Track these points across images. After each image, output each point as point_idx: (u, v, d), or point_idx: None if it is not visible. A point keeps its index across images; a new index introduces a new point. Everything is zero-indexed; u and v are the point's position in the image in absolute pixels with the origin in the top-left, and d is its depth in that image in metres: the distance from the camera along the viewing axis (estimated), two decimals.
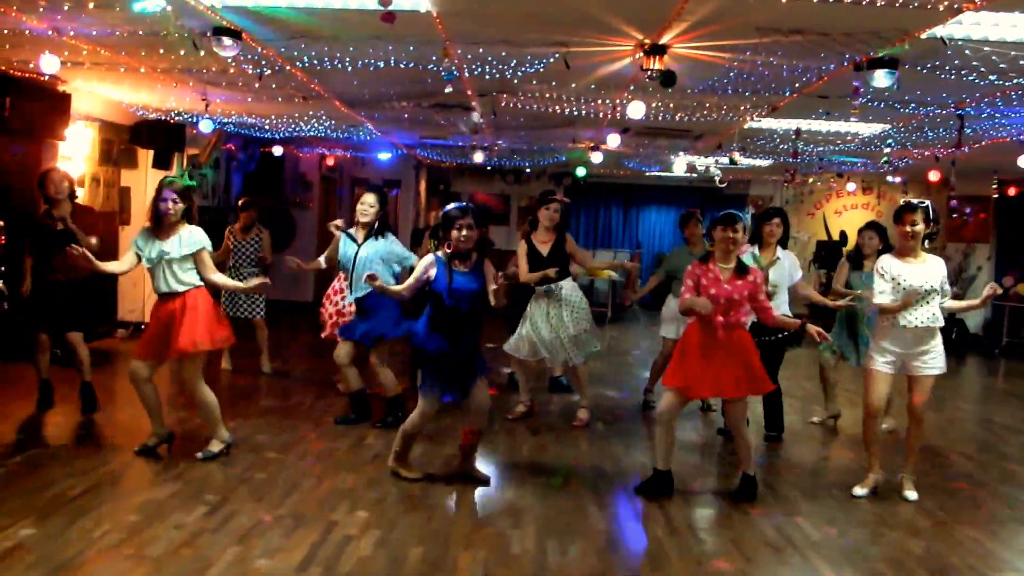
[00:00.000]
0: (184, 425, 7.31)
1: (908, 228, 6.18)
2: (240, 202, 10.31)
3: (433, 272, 5.97)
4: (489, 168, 18.90)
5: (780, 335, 7.43)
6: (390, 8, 5.54)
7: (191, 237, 6.37)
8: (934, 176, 12.97)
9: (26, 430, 7.17)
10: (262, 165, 15.97)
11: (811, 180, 17.67)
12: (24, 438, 6.92)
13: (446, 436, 7.25)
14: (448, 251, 6.00)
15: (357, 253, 7.51)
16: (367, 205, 7.58)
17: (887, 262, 6.25)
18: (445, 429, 7.39)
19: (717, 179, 15.94)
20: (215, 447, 6.51)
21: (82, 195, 11.05)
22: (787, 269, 7.67)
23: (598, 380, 10.23)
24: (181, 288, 6.35)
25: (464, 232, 5.92)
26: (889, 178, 15.41)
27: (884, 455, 6.69)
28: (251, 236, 9.97)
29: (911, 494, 6.39)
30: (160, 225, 6.36)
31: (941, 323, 6.21)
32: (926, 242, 6.32)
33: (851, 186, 17.10)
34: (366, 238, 7.56)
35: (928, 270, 6.18)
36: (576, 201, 20.57)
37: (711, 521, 5.84)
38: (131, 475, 6.10)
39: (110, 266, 6.58)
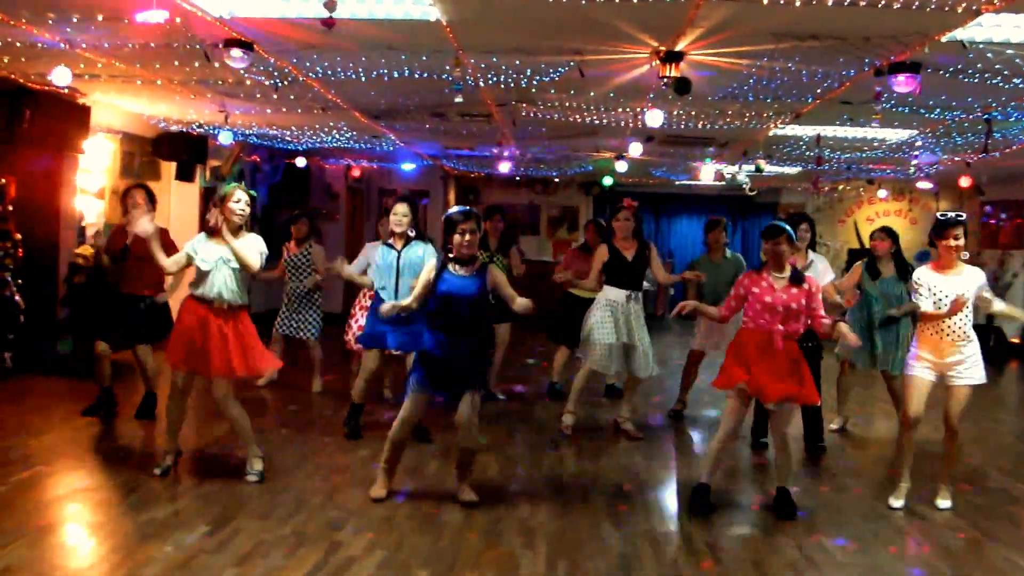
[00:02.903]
0: (194, 441, 7.26)
1: (952, 243, 6.11)
2: (293, 214, 10.16)
3: (433, 276, 5.86)
4: (518, 179, 18.81)
5: (815, 342, 7.33)
6: (332, 15, 5.48)
7: (257, 242, 6.29)
8: (965, 182, 12.71)
9: (32, 445, 7.07)
10: (287, 176, 15.96)
11: (841, 187, 17.42)
12: (30, 453, 6.82)
13: None
14: (449, 255, 5.89)
15: (399, 259, 7.39)
16: (400, 215, 7.46)
17: (923, 274, 6.22)
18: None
19: (746, 187, 15.72)
20: (259, 464, 6.38)
21: (102, 208, 11.10)
22: (820, 272, 7.57)
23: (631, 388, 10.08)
24: (237, 301, 6.22)
25: (467, 237, 5.78)
26: (920, 184, 15.14)
27: (915, 463, 6.47)
28: (302, 249, 9.78)
29: (943, 503, 6.30)
30: (221, 231, 6.24)
31: (972, 331, 6.17)
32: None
33: (882, 192, 16.83)
34: (404, 245, 7.45)
35: (962, 281, 6.10)
36: (605, 210, 20.45)
37: (731, 541, 5.64)
38: (134, 493, 5.97)
39: (163, 259, 6.48)
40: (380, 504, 5.90)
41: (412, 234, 7.45)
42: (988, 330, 14.71)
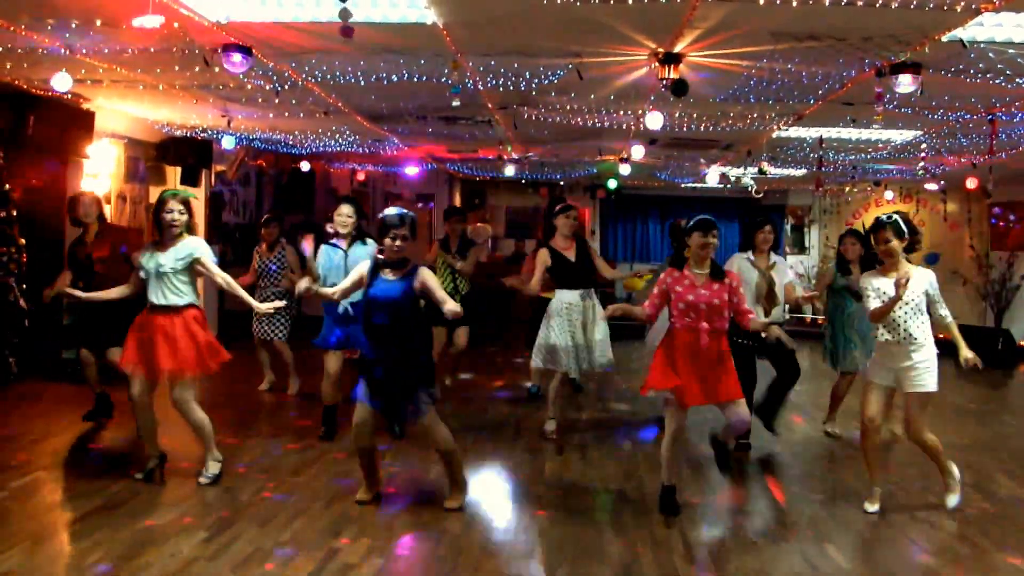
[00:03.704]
0: (194, 448, 7.23)
1: (882, 246, 6.06)
2: (263, 218, 10.21)
3: (367, 278, 5.86)
4: (523, 181, 18.78)
5: (756, 340, 7.39)
6: (349, 23, 5.47)
7: (186, 247, 6.29)
8: (971, 183, 12.63)
9: (34, 450, 7.09)
10: (293, 180, 15.98)
11: (848, 189, 17.35)
12: (31, 459, 6.84)
13: (465, 455, 7.09)
14: (380, 257, 5.88)
15: (346, 259, 7.53)
16: (345, 216, 7.69)
17: (869, 278, 6.14)
18: (462, 448, 7.22)
19: (752, 189, 15.68)
20: (215, 468, 6.42)
21: (108, 213, 11.08)
22: (780, 271, 7.65)
23: (630, 399, 10.05)
24: (179, 302, 6.25)
25: (398, 242, 5.76)
26: (927, 185, 15.05)
27: (889, 468, 6.40)
28: (275, 253, 9.85)
29: (952, 499, 6.24)
30: (163, 238, 6.29)
31: (926, 337, 6.01)
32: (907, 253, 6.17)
33: (889, 194, 16.76)
34: (350, 245, 7.64)
35: (911, 284, 5.96)
36: (612, 213, 20.40)
37: (735, 548, 5.54)
38: (134, 499, 5.96)
39: (113, 292, 6.53)
40: (379, 511, 5.87)
41: (355, 234, 7.69)
42: (996, 333, 14.62)
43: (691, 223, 6.05)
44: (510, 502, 6.27)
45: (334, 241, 7.70)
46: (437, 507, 5.98)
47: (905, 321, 5.96)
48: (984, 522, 6.06)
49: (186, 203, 6.35)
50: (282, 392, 9.81)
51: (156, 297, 6.25)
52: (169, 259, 6.23)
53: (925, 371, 5.98)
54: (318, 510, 5.84)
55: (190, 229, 6.40)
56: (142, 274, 6.28)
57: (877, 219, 6.15)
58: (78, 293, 6.57)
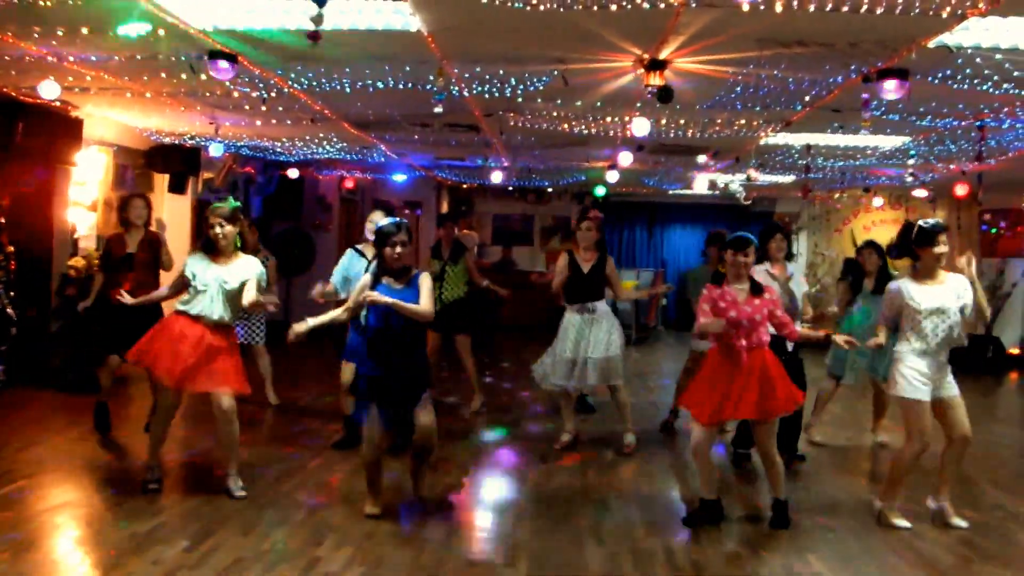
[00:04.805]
0: (179, 454, 7.25)
1: (944, 249, 5.85)
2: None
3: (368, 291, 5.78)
4: (511, 188, 18.79)
5: (797, 352, 7.31)
6: (316, 28, 5.44)
7: (245, 271, 6.23)
8: (961, 190, 12.64)
9: (18, 459, 7.02)
10: (281, 188, 15.94)
11: (836, 196, 17.36)
12: (14, 467, 6.77)
13: (450, 464, 7.10)
14: (382, 267, 5.84)
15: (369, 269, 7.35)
16: (376, 224, 7.45)
17: (903, 286, 5.95)
18: (448, 457, 7.23)
19: (740, 196, 15.69)
20: (240, 480, 6.30)
21: (95, 220, 11.06)
22: (798, 283, 7.54)
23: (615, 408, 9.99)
24: (230, 319, 6.24)
25: (398, 249, 5.75)
26: (915, 192, 15.07)
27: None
28: (259, 260, 9.63)
29: (959, 521, 6.07)
30: (214, 251, 6.24)
31: (963, 342, 5.96)
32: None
33: (878, 201, 16.77)
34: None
35: (945, 291, 5.86)
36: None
37: (717, 559, 5.48)
38: (117, 507, 5.92)
39: (161, 294, 6.54)
40: (361, 520, 5.82)
41: None
42: (987, 340, 14.64)
43: (728, 240, 6.06)
44: (492, 512, 6.26)
45: (360, 247, 7.59)
46: (418, 516, 5.96)
47: (950, 329, 5.86)
48: (970, 532, 6.00)
49: (229, 216, 6.24)
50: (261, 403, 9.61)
51: (211, 311, 6.15)
52: (233, 277, 6.19)
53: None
54: (299, 520, 5.80)
55: (244, 242, 6.39)
56: (198, 284, 6.17)
57: (931, 225, 5.91)
58: (128, 298, 6.47)
